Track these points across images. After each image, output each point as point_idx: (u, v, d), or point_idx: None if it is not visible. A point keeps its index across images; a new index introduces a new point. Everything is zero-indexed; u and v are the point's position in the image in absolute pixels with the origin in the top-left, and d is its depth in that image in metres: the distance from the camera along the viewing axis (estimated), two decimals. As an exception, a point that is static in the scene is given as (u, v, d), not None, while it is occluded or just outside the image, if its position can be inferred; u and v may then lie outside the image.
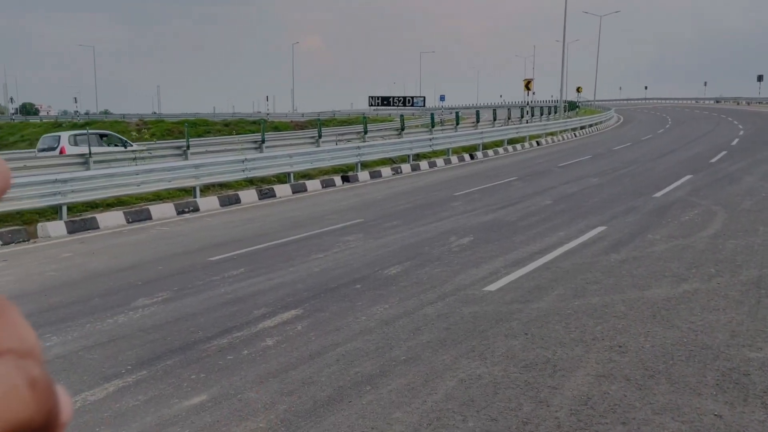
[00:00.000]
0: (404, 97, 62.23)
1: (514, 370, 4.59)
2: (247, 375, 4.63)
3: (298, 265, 7.89)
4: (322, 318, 5.85)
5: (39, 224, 10.50)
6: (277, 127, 36.41)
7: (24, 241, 10.00)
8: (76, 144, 17.78)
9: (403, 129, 26.03)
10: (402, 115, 29.79)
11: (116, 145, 18.52)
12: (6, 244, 9.75)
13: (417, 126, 30.91)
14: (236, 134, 30.64)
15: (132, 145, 18.76)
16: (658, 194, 12.62)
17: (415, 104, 60.25)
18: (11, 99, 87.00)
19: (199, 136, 33.31)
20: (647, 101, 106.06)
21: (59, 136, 18.44)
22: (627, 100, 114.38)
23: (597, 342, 5.10)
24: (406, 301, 6.26)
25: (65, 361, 5.00)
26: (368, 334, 5.41)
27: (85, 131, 19.47)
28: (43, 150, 18.07)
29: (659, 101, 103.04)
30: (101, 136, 19.28)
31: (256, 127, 34.66)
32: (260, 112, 60.10)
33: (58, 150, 17.49)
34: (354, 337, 5.34)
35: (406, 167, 19.20)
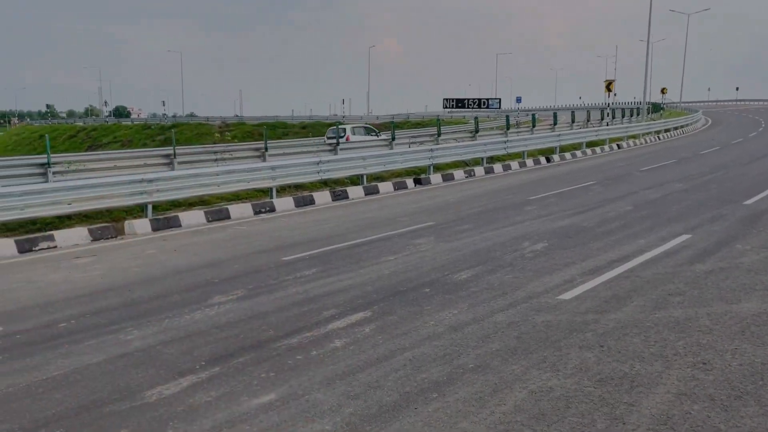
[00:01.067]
0: (479, 99, 61.57)
1: (588, 384, 4.40)
2: (315, 376, 4.68)
3: (369, 267, 7.92)
4: (390, 321, 5.84)
5: (126, 221, 11.07)
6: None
7: (112, 237, 10.56)
8: (354, 134, 23.70)
9: (477, 131, 25.74)
10: (476, 117, 29.46)
11: (371, 135, 23.94)
12: (96, 240, 10.33)
13: (492, 128, 30.48)
14: (312, 136, 31.25)
15: (380, 135, 24.27)
16: (749, 201, 11.85)
17: (490, 106, 59.48)
18: (105, 102, 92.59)
19: (278, 138, 34.21)
20: (738, 103, 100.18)
21: (345, 128, 24.76)
22: (716, 101, 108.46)
23: (679, 358, 4.82)
24: (475, 307, 6.16)
25: (144, 354, 5.23)
26: (436, 339, 5.35)
27: (360, 124, 26.97)
28: (331, 138, 23.21)
29: (752, 103, 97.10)
30: (365, 127, 25.58)
31: (331, 130, 35.19)
32: (336, 115, 61.02)
33: (344, 138, 23.02)
34: (422, 342, 5.30)
35: (479, 170, 18.95)
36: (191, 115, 76.40)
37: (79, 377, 4.79)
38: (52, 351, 5.35)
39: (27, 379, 4.79)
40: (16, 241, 9.65)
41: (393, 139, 21.60)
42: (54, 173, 13.90)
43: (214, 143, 34.79)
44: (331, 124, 42.88)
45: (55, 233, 10.12)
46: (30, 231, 10.36)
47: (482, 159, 19.79)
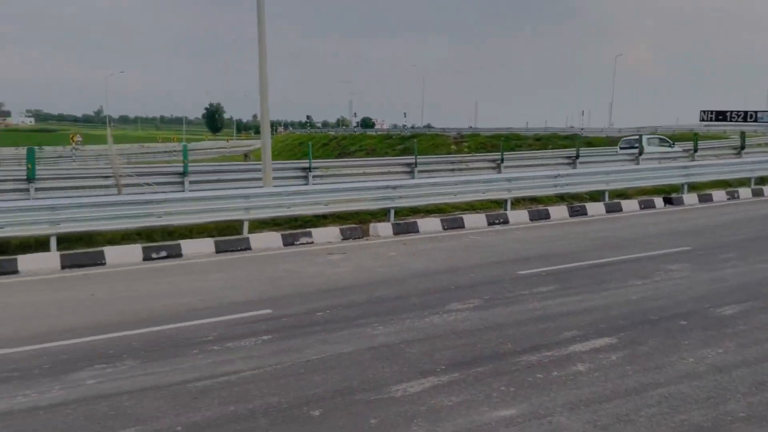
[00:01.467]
0: (745, 112, 54.12)
1: None
2: (557, 398, 4.47)
3: (612, 289, 7.39)
4: (640, 352, 5.35)
5: (371, 224, 11.90)
6: (590, 143, 35.11)
7: (359, 237, 11.42)
8: (648, 145, 22.98)
9: (742, 147, 22.72)
10: (742, 132, 25.95)
11: (665, 145, 23.63)
12: (346, 239, 11.27)
13: (760, 144, 26.65)
14: (550, 149, 30.51)
15: (674, 146, 23.67)
16: None
17: (759, 120, 51.92)
18: (354, 114, 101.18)
19: (510, 149, 34.03)
20: None
21: (639, 137, 23.93)
22: None
23: None
24: (745, 348, 5.36)
25: (389, 350, 5.51)
26: (697, 379, 4.76)
27: (654, 135, 26.32)
28: (624, 149, 23.74)
29: None
30: (659, 138, 25.21)
31: (568, 143, 33.97)
32: (573, 127, 58.56)
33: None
34: (679, 379, 4.75)
35: (744, 192, 16.61)
36: (428, 126, 79.79)
37: (334, 364, 5.23)
38: (311, 336, 5.93)
39: (291, 359, 5.37)
40: (282, 235, 10.96)
41: (641, 153, 20.09)
42: (314, 177, 15.54)
43: (448, 153, 35.85)
44: (566, 136, 41.36)
45: (313, 230, 11.26)
46: (292, 227, 11.69)
47: (749, 179, 17.33)
